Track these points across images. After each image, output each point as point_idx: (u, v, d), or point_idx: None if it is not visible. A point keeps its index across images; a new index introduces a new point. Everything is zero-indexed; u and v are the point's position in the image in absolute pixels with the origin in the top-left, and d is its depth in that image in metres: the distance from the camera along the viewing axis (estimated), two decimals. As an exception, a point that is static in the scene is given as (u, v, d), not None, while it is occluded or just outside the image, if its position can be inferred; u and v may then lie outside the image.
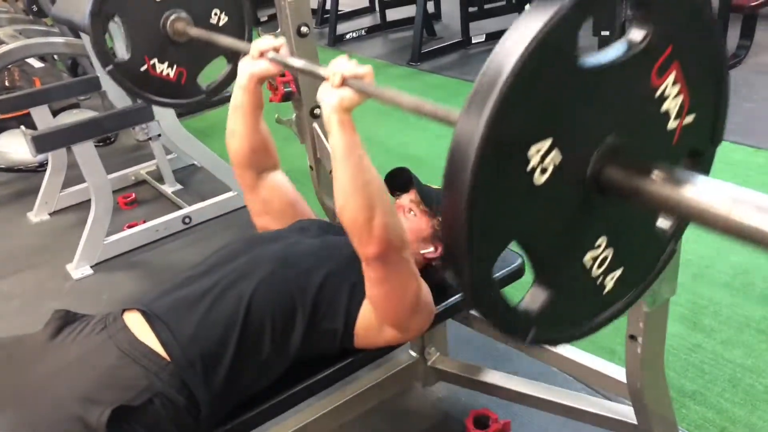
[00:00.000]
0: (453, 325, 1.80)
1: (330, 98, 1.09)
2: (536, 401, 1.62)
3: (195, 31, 1.74)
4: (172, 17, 1.78)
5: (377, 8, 6.31)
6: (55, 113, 3.23)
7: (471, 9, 5.17)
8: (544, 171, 0.62)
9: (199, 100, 1.92)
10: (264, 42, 1.31)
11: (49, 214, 3.24)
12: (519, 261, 1.66)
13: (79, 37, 3.25)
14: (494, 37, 5.30)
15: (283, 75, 1.89)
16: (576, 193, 0.67)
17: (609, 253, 0.75)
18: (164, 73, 1.82)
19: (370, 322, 1.28)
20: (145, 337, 1.16)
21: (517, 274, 1.65)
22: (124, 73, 1.77)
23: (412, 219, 1.46)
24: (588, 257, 0.74)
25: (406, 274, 1.22)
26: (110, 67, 1.75)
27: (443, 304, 1.52)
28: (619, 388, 1.36)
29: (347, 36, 5.94)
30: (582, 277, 0.75)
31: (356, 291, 1.27)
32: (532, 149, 0.60)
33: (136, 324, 1.18)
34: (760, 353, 1.89)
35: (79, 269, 2.71)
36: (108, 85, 3.17)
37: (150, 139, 3.07)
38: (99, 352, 1.14)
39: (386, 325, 1.27)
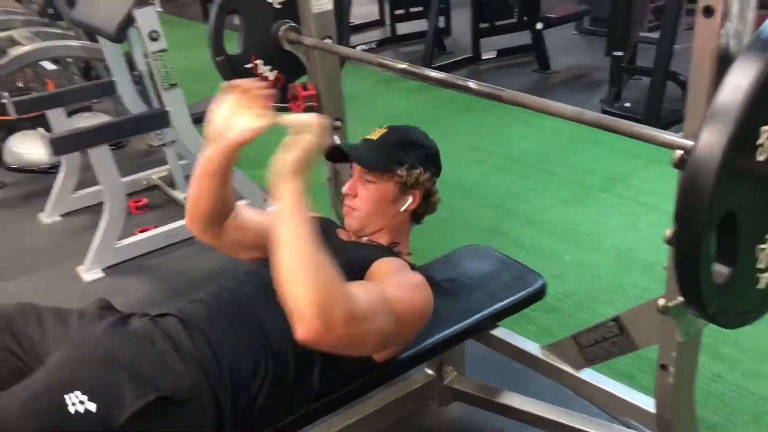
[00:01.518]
0: (471, 344, 1.78)
1: None
2: (555, 426, 1.59)
3: (310, 41, 1.78)
4: (286, 26, 1.87)
5: (388, 21, 6.31)
6: (67, 115, 3.24)
7: (482, 25, 5.16)
8: (764, 151, 0.79)
9: (284, 106, 2.00)
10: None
11: (61, 216, 3.22)
12: (540, 282, 1.64)
13: (96, 41, 3.25)
14: (505, 54, 5.26)
15: (305, 88, 1.90)
16: None
17: None
18: (264, 74, 1.91)
19: None
20: (188, 343, 1.17)
21: (538, 294, 1.64)
22: (231, 66, 1.87)
23: (372, 189, 1.43)
24: (759, 248, 0.89)
25: (370, 339, 1.12)
26: (221, 58, 1.85)
27: (463, 323, 1.50)
28: (645, 417, 1.34)
29: (358, 48, 5.93)
30: (752, 263, 0.89)
31: None
32: (762, 129, 0.78)
33: (177, 329, 1.19)
34: (782, 385, 1.86)
35: (90, 272, 2.69)
36: (124, 89, 3.17)
37: (164, 144, 3.06)
38: (151, 337, 1.15)
39: None
